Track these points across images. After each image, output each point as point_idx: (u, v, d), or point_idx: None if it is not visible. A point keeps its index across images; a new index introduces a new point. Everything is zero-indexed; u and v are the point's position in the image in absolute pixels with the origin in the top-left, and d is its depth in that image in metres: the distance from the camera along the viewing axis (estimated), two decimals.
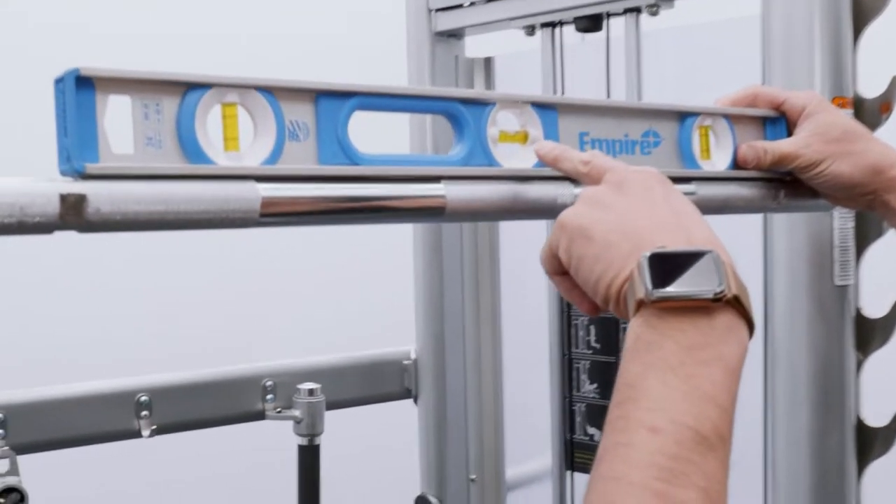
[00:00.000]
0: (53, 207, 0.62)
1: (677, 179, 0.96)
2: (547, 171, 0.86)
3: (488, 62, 1.68)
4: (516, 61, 1.64)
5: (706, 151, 1.00)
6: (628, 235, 0.69)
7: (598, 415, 1.54)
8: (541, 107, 0.87)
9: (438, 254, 1.63)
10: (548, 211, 0.86)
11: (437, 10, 1.59)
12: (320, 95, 0.74)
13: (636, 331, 0.63)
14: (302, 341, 2.26)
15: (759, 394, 1.30)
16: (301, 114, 0.74)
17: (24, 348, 2.19)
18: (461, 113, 0.82)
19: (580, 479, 1.56)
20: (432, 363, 1.63)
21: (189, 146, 0.68)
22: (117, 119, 0.68)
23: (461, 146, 0.82)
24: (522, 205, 0.84)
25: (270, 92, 0.71)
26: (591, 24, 1.47)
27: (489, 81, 1.68)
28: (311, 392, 1.49)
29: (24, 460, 1.29)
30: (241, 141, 0.72)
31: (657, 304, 0.62)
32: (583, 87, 1.51)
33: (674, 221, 0.70)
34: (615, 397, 0.61)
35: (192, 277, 2.38)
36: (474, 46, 1.67)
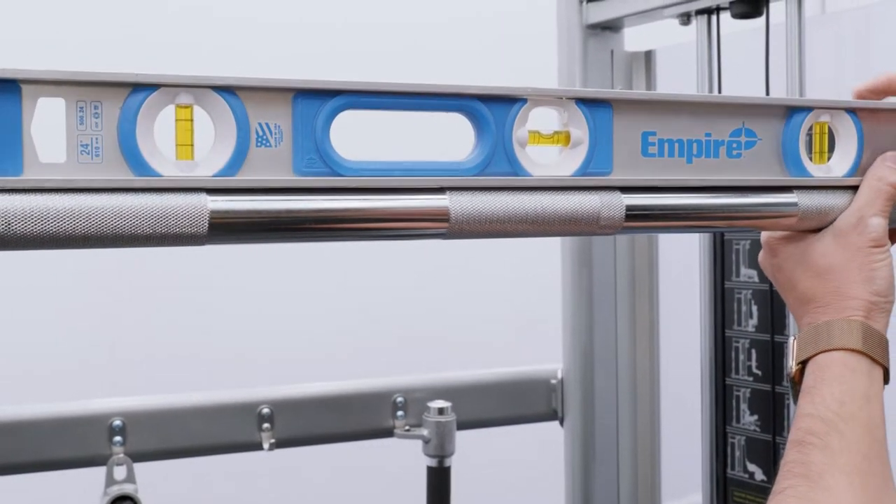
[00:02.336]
0: None
1: (774, 188, 0.80)
2: (587, 180, 0.73)
3: (649, 56, 1.53)
4: (679, 54, 1.48)
5: (820, 154, 0.83)
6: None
7: (759, 450, 1.36)
8: (589, 102, 0.73)
9: (588, 264, 1.50)
10: (588, 227, 0.72)
11: (589, 0, 1.47)
12: (298, 95, 0.65)
13: None
14: (437, 356, 2.17)
15: None
16: (274, 116, 0.65)
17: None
18: (480, 111, 0.70)
19: None
20: (580, 383, 1.51)
21: (130, 154, 0.61)
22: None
23: (478, 151, 0.70)
24: (553, 220, 0.71)
25: (232, 92, 0.63)
26: (748, 8, 1.30)
27: (650, 76, 1.53)
28: (440, 411, 1.40)
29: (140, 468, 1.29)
30: (201, 148, 0.64)
31: None
32: (743, 79, 1.35)
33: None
34: None
35: (320, 286, 2.31)
36: (632, 40, 1.52)
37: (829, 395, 0.75)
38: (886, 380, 0.78)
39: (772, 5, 1.28)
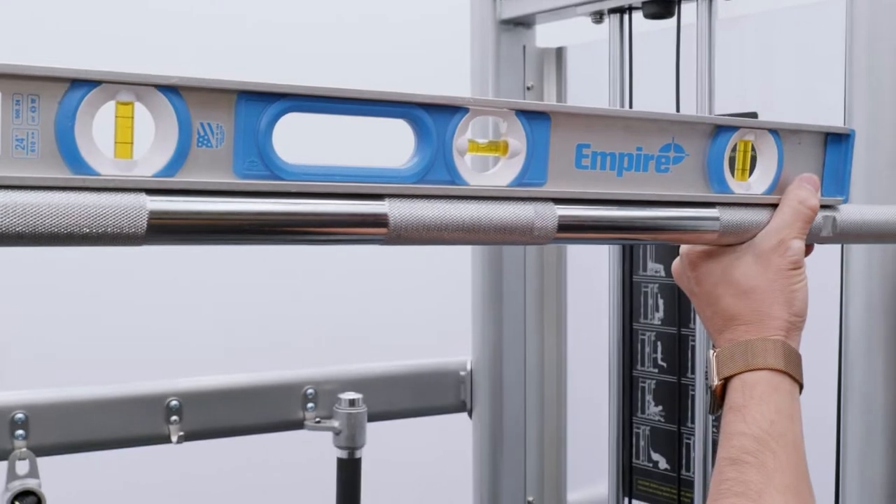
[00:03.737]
0: None
1: (698, 203, 0.82)
2: (522, 191, 0.74)
3: (560, 52, 1.55)
4: (590, 51, 1.51)
5: (743, 171, 0.86)
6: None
7: (663, 440, 1.40)
8: (529, 114, 0.74)
9: (498, 257, 1.51)
10: (521, 237, 0.73)
11: None
12: (242, 96, 0.64)
13: None
14: (349, 349, 2.17)
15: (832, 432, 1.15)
16: (217, 116, 0.63)
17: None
18: (422, 119, 0.70)
19: None
20: (489, 375, 1.52)
21: (67, 151, 0.59)
22: None
23: (418, 158, 0.70)
24: (488, 229, 0.72)
25: (175, 91, 0.62)
26: (660, 9, 1.33)
27: (561, 73, 1.55)
28: (351, 402, 1.41)
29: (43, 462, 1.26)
30: (142, 146, 0.62)
31: None
32: (653, 78, 1.38)
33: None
34: None
35: (236, 279, 2.28)
36: (544, 36, 1.54)
37: (760, 415, 0.78)
38: (800, 393, 0.82)
39: (683, 6, 1.31)
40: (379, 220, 0.68)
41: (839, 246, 1.12)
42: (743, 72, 1.36)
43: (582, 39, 1.51)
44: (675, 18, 1.32)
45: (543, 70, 1.55)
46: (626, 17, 1.38)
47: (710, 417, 1.28)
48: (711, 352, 0.84)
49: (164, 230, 0.61)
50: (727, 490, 0.74)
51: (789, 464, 0.75)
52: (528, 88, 1.52)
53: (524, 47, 1.52)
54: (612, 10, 1.38)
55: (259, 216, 0.65)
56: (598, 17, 1.40)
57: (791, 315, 0.82)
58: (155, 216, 0.61)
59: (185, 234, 0.63)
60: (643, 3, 1.33)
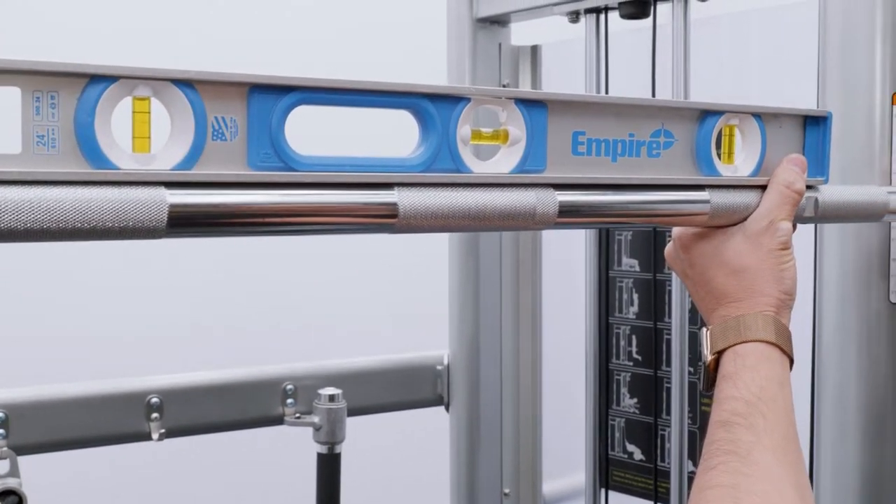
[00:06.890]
0: None
1: (689, 186, 0.85)
2: (524, 178, 0.76)
3: (535, 50, 1.57)
4: (564, 50, 1.53)
5: (729, 155, 0.89)
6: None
7: (638, 432, 1.43)
8: (527, 103, 0.76)
9: (475, 252, 1.53)
10: (523, 222, 0.76)
11: None
12: (254, 90, 0.65)
13: None
14: (328, 345, 2.18)
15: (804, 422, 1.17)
16: (230, 110, 0.65)
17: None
18: (426, 109, 0.72)
19: (617, 499, 1.45)
20: (466, 369, 1.54)
21: (87, 146, 0.60)
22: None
23: (424, 148, 0.72)
24: (492, 215, 0.74)
25: (190, 85, 0.63)
26: (636, 9, 1.35)
27: (535, 70, 1.57)
28: (331, 398, 1.41)
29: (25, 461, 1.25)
30: (158, 140, 0.63)
31: None
32: (629, 77, 1.40)
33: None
34: None
35: (213, 277, 2.29)
36: (520, 35, 1.56)
37: (751, 380, 0.81)
38: (790, 369, 0.85)
39: (658, 7, 1.34)
40: (389, 209, 0.70)
41: (812, 244, 1.15)
42: (718, 72, 1.39)
43: (557, 38, 1.53)
44: (650, 19, 1.35)
45: (519, 68, 1.57)
46: (602, 16, 1.40)
47: (687, 409, 1.31)
48: (705, 329, 0.87)
49: (184, 223, 0.62)
50: (717, 449, 0.77)
51: (778, 426, 0.78)
52: (504, 86, 1.54)
53: (500, 45, 1.54)
54: (589, 10, 1.40)
55: (275, 207, 0.66)
56: (575, 16, 1.42)
57: (781, 293, 0.86)
58: (175, 209, 0.62)
59: (204, 227, 0.64)
60: (619, 3, 1.36)
